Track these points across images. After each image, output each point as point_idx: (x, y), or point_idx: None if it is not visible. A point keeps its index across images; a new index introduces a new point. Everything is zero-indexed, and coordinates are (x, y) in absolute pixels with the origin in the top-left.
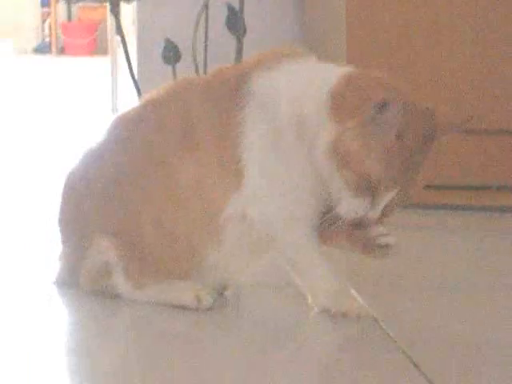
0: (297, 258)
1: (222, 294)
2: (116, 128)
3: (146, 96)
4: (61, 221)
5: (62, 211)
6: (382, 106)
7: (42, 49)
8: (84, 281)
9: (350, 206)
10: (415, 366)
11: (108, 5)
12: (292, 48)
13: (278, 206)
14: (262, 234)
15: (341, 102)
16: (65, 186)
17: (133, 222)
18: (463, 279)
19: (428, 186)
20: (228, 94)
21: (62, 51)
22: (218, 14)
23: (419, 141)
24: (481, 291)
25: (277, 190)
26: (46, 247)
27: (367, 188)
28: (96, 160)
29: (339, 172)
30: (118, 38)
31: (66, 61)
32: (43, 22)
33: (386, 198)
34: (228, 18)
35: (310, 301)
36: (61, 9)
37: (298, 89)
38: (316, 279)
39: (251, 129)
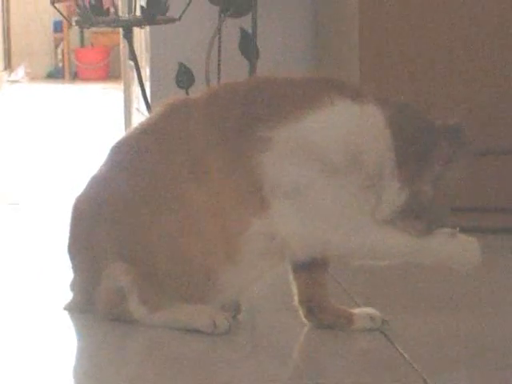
0: (382, 245)
1: (235, 316)
2: (117, 155)
3: (143, 121)
4: (71, 249)
5: (72, 239)
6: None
7: (54, 74)
8: (100, 307)
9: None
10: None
11: (121, 30)
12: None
13: (332, 217)
14: (308, 252)
15: (408, 160)
16: (73, 215)
17: (145, 246)
18: (475, 297)
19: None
20: (242, 136)
21: (75, 77)
22: (231, 38)
23: None
24: (494, 309)
25: (327, 208)
26: (57, 274)
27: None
28: (102, 187)
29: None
30: (131, 63)
31: (80, 86)
32: (56, 47)
33: None
34: (241, 41)
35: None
36: (73, 34)
37: (341, 134)
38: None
39: (274, 163)
